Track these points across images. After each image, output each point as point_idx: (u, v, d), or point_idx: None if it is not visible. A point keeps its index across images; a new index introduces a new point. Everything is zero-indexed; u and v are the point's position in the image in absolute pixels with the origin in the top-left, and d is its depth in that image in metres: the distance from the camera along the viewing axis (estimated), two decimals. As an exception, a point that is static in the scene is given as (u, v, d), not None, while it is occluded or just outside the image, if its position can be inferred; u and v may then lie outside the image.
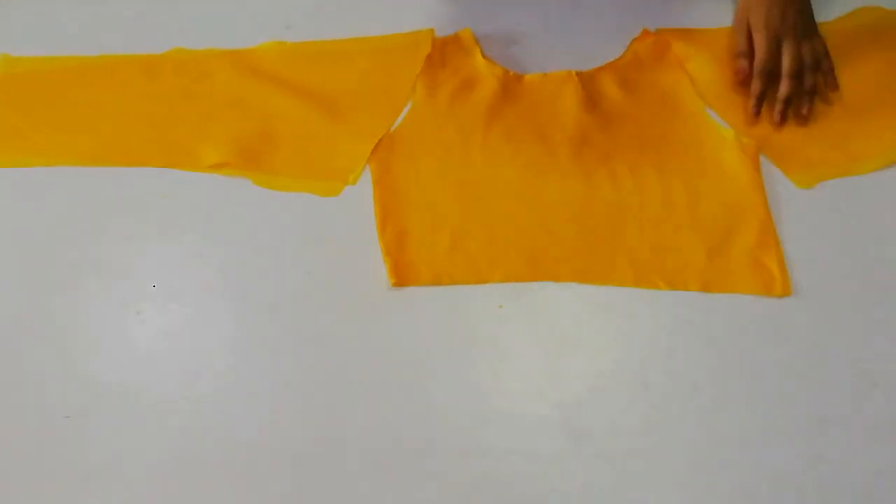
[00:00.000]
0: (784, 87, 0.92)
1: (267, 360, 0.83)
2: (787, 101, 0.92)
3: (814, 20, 0.95)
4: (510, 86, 0.98)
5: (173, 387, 0.82)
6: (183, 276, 0.89)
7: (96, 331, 0.86)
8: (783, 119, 0.92)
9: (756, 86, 0.93)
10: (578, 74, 0.97)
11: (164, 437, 0.80)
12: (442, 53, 1.01)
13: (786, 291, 0.82)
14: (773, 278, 0.83)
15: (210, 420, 0.81)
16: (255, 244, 0.90)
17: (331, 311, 0.85)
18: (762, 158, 0.91)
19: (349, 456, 0.77)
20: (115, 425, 0.81)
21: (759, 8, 0.93)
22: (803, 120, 0.92)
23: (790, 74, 0.92)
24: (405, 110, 0.97)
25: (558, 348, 0.82)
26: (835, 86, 0.94)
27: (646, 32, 1.00)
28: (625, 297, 0.84)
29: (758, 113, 0.93)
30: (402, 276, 0.85)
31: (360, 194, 0.92)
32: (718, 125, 0.93)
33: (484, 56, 1.00)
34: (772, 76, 0.93)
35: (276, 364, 0.83)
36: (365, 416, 0.79)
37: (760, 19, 0.93)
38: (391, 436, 0.78)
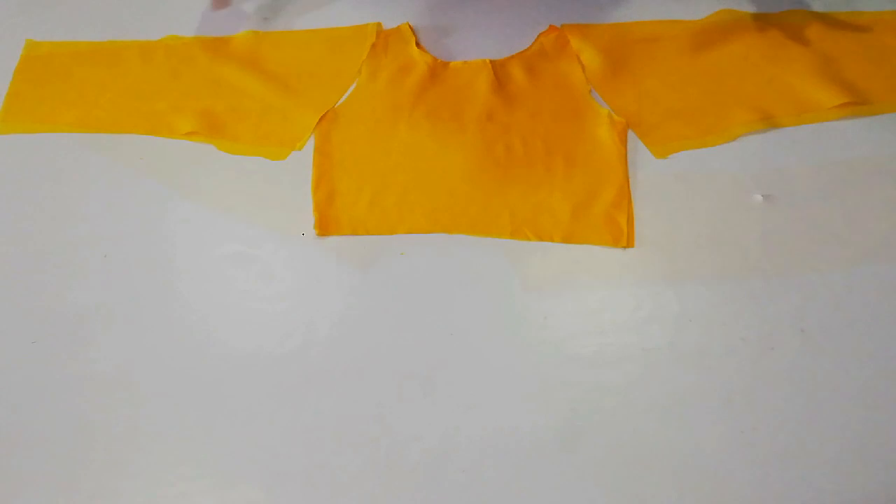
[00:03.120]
0: None
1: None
2: None
3: None
4: (437, 71, 1.14)
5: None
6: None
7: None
8: None
9: None
10: (492, 62, 1.14)
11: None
12: (385, 43, 1.18)
13: (630, 244, 0.98)
14: (621, 232, 0.99)
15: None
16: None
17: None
18: (631, 134, 1.06)
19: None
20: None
21: None
22: None
23: None
24: (350, 90, 1.14)
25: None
26: None
27: (551, 27, 1.17)
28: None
29: None
30: (325, 228, 1.02)
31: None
32: (598, 104, 1.09)
33: (419, 45, 1.17)
34: None
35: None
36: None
37: None
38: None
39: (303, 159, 1.09)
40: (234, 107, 1.15)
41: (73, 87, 1.19)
